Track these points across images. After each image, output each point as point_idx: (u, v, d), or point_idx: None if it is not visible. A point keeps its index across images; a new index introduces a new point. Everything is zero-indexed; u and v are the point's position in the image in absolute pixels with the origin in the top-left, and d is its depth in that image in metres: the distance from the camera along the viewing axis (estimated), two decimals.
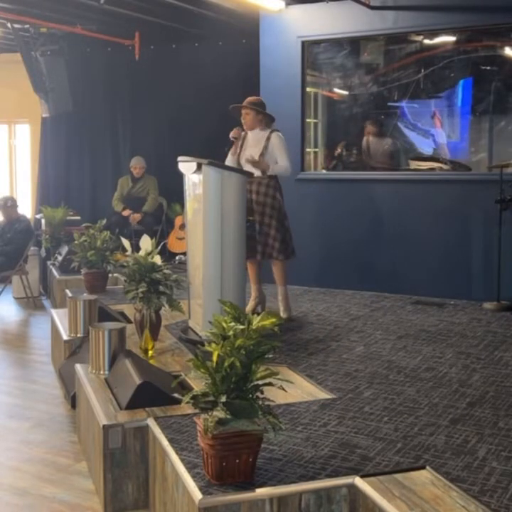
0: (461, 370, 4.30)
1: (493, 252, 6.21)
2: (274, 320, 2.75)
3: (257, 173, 5.43)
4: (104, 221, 7.06)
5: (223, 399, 2.64)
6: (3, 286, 7.82)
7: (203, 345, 2.86)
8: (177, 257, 8.60)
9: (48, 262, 8.17)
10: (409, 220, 6.72)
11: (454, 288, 6.46)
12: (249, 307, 5.56)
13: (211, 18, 8.03)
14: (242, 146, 5.57)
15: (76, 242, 6.57)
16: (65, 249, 7.77)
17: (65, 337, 5.03)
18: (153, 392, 3.52)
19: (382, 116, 7.49)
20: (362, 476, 2.78)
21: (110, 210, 9.06)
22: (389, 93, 7.32)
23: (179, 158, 5.07)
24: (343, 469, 2.87)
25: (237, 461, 2.69)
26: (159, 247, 4.66)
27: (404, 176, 7.04)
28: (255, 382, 2.72)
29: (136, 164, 9.05)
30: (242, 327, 2.71)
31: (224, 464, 2.67)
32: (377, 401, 3.74)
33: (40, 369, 5.63)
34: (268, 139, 5.52)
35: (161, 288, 4.47)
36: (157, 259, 4.52)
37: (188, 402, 2.74)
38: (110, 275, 6.88)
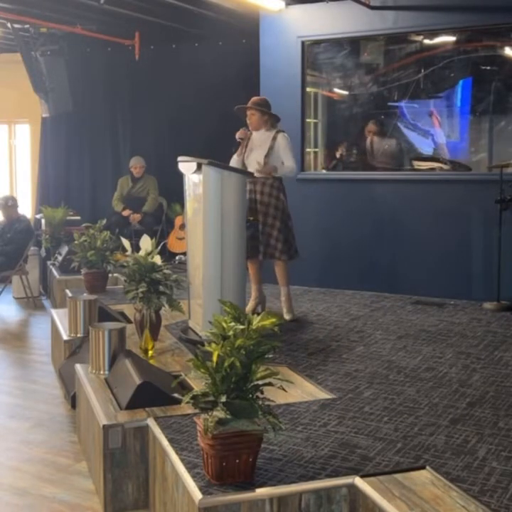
0: (461, 370, 4.30)
1: (493, 252, 6.20)
2: (274, 320, 2.75)
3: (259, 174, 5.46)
4: (104, 221, 7.06)
5: (223, 399, 2.65)
6: (3, 286, 7.82)
7: (203, 345, 2.86)
8: (177, 257, 8.60)
9: (48, 262, 8.17)
10: (409, 220, 6.72)
11: (454, 288, 6.46)
12: (249, 307, 5.56)
13: (211, 18, 8.03)
14: (246, 147, 5.57)
15: (76, 242, 6.57)
16: (65, 249, 7.77)
17: (65, 337, 5.03)
18: (153, 392, 3.52)
19: (382, 116, 7.49)
20: (362, 476, 2.78)
21: (110, 210, 9.06)
22: (389, 93, 7.32)
23: (179, 158, 5.07)
24: (343, 469, 2.87)
25: (237, 461, 2.69)
26: (159, 247, 4.66)
27: (404, 176, 7.04)
28: (255, 382, 2.72)
29: (136, 164, 9.05)
30: (242, 327, 2.71)
31: (224, 464, 2.67)
32: (377, 401, 3.74)
33: (40, 369, 5.63)
34: (274, 139, 5.52)
35: (161, 288, 4.47)
36: (157, 259, 4.52)
37: (188, 402, 2.74)
38: (110, 275, 6.88)
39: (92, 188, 10.00)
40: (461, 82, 6.98)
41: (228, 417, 2.67)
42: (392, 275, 6.78)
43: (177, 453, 3.00)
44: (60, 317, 5.48)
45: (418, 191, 6.70)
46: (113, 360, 4.06)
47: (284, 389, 2.84)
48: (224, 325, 2.73)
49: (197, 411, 2.82)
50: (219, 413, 2.67)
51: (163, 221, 9.21)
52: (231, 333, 2.70)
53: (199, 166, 4.65)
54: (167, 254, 8.32)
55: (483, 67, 6.89)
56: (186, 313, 5.00)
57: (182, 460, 2.93)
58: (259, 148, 5.53)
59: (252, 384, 2.71)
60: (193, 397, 2.72)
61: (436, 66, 6.94)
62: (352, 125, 7.74)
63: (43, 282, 8.53)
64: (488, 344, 4.92)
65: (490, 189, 6.09)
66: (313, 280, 7.00)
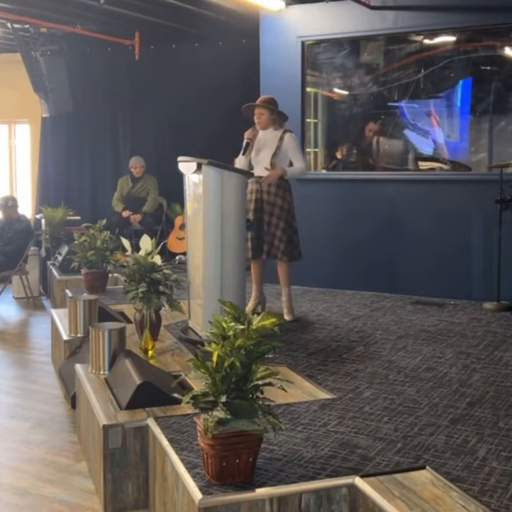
0: (461, 370, 4.30)
1: (493, 252, 6.21)
2: (274, 320, 2.75)
3: (263, 171, 5.46)
4: (104, 221, 7.05)
5: (223, 399, 2.64)
6: (3, 286, 7.82)
7: (203, 345, 2.86)
8: (177, 257, 8.60)
9: (48, 262, 8.17)
10: (409, 220, 6.72)
11: (454, 288, 6.46)
12: (249, 307, 5.56)
13: (211, 18, 8.03)
14: (252, 146, 5.56)
15: (76, 242, 6.57)
16: (65, 249, 7.76)
17: (65, 337, 5.03)
18: (153, 392, 3.52)
19: (382, 116, 7.49)
20: (362, 476, 2.78)
21: (110, 210, 9.06)
22: (389, 93, 7.31)
23: (179, 158, 5.07)
24: (343, 469, 2.87)
25: (237, 461, 2.69)
26: (159, 247, 4.66)
27: (404, 176, 7.04)
28: (255, 382, 2.72)
29: (136, 164, 9.05)
30: (242, 327, 2.71)
31: (224, 464, 2.67)
32: (377, 401, 3.74)
33: (40, 369, 5.63)
34: (281, 139, 5.52)
35: (161, 288, 4.47)
36: (157, 259, 4.52)
37: (188, 402, 2.74)
38: (110, 275, 6.88)
39: (92, 188, 10.01)
40: (461, 82, 6.97)
41: (228, 417, 2.67)
42: (392, 275, 6.78)
43: (177, 453, 3.00)
44: (60, 317, 5.48)
45: (418, 191, 6.70)
46: (113, 360, 4.06)
47: (284, 389, 2.84)
48: (224, 325, 2.73)
49: (197, 411, 2.82)
50: (219, 413, 2.67)
51: (163, 221, 9.21)
52: (231, 333, 2.70)
53: (199, 166, 4.65)
54: (167, 254, 8.32)
55: (483, 67, 6.89)
56: (186, 313, 4.99)
57: (182, 460, 2.93)
58: (266, 148, 5.53)
59: (252, 384, 2.71)
60: (193, 397, 2.72)
61: (436, 66, 6.93)
62: (352, 125, 7.74)
63: (43, 282, 8.53)
64: (488, 344, 4.92)
65: (490, 189, 6.09)
66: (313, 280, 7.00)
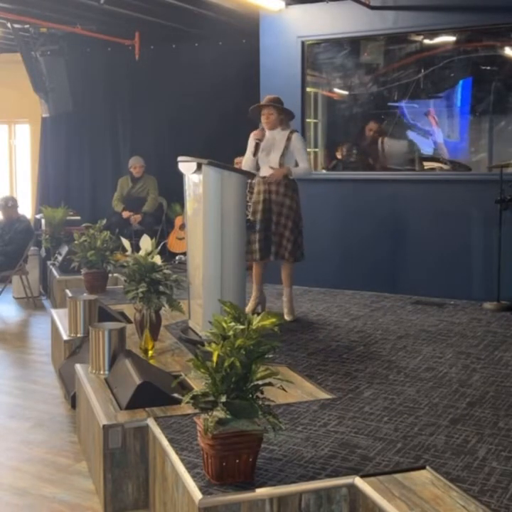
0: (461, 370, 4.30)
1: (493, 252, 6.20)
2: (274, 320, 2.75)
3: (270, 171, 5.47)
4: (104, 221, 7.05)
5: (223, 399, 2.64)
6: (3, 286, 7.82)
7: (203, 345, 2.86)
8: (177, 257, 8.60)
9: (48, 262, 8.17)
10: (409, 220, 6.72)
11: (454, 288, 6.46)
12: (249, 307, 5.56)
13: (211, 18, 8.03)
14: (259, 146, 5.55)
15: (76, 242, 6.57)
16: (65, 249, 7.76)
17: (65, 337, 5.03)
18: (153, 392, 3.52)
19: (382, 116, 7.49)
20: (362, 476, 2.78)
21: (110, 210, 9.06)
22: (389, 93, 7.32)
23: (179, 158, 5.07)
24: (343, 469, 2.87)
25: (237, 461, 2.69)
26: (159, 247, 4.66)
27: (404, 176, 7.04)
28: (255, 382, 2.72)
29: (135, 164, 9.05)
30: (242, 327, 2.71)
31: (224, 464, 2.67)
32: (377, 401, 3.74)
33: (40, 369, 5.63)
34: (288, 139, 5.51)
35: (161, 288, 4.47)
36: (157, 259, 4.52)
37: (188, 402, 2.74)
38: (110, 275, 6.88)
39: (92, 188, 10.01)
40: (461, 82, 6.97)
41: (228, 417, 2.67)
42: (392, 275, 6.78)
43: (177, 453, 3.00)
44: (60, 317, 5.48)
45: (418, 191, 6.70)
46: (113, 360, 4.06)
47: (284, 389, 2.84)
48: (224, 325, 2.73)
49: (197, 411, 2.82)
50: (219, 413, 2.67)
51: (163, 221, 9.22)
52: (231, 333, 2.70)
53: (199, 166, 4.65)
54: (167, 254, 8.33)
55: (483, 67, 6.89)
56: (186, 313, 4.99)
57: (182, 460, 2.93)
58: (274, 149, 5.52)
59: (252, 384, 2.71)
60: (193, 397, 2.72)
61: (436, 66, 6.93)
62: (352, 125, 7.74)
63: (43, 282, 8.53)
64: (488, 344, 4.92)
65: (490, 189, 6.09)
66: (313, 280, 7.00)
